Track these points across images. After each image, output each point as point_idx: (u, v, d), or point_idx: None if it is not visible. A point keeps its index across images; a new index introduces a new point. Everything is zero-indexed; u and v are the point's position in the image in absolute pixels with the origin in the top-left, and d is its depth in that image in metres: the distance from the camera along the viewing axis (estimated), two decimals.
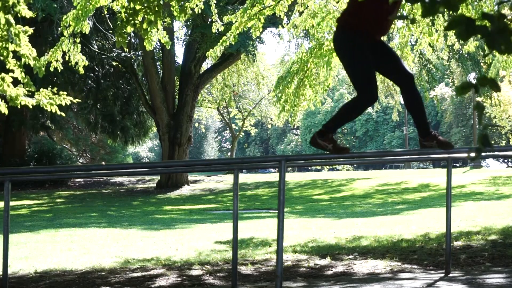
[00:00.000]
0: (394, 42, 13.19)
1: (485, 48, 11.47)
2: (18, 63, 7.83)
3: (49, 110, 8.57)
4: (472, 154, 1.92)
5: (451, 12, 1.81)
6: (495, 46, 1.76)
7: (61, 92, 8.73)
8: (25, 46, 7.58)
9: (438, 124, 59.68)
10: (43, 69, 8.07)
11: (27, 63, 7.73)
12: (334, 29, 4.47)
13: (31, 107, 8.81)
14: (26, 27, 7.62)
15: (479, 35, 1.77)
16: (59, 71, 8.85)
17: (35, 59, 7.77)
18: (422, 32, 9.64)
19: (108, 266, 6.25)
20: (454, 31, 1.78)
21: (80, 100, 10.05)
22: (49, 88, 8.70)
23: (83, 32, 8.17)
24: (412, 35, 10.02)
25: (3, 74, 7.96)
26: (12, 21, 7.23)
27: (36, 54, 7.86)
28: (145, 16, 7.15)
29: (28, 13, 7.38)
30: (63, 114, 9.41)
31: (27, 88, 8.18)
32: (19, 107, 8.46)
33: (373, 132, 63.58)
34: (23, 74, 7.92)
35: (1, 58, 7.62)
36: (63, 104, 8.77)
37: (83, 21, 8.01)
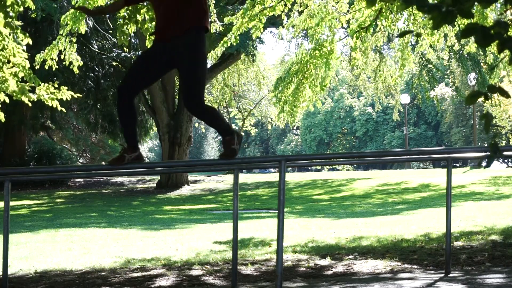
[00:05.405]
0: (394, 42, 13.18)
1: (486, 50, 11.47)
2: (15, 70, 7.84)
3: (50, 105, 8.60)
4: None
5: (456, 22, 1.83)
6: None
7: (62, 87, 8.76)
8: (19, 57, 7.59)
9: (438, 124, 59.61)
10: (37, 78, 8.10)
11: (21, 71, 7.74)
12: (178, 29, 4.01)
13: (30, 104, 8.83)
14: (23, 36, 7.62)
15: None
16: (54, 69, 8.88)
17: (28, 69, 7.80)
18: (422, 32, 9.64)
19: (108, 266, 6.24)
20: (474, 39, 1.80)
21: (80, 95, 10.10)
22: (50, 83, 8.73)
23: (80, 32, 8.19)
24: (413, 36, 10.02)
25: (5, 71, 7.98)
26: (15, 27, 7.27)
27: (29, 65, 7.90)
28: (149, 12, 7.17)
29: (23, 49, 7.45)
30: (64, 110, 9.43)
31: (30, 84, 8.22)
32: (25, 100, 8.47)
33: (373, 132, 63.53)
34: (25, 73, 7.94)
35: None
36: (64, 99, 8.81)
37: (81, 20, 8.04)
